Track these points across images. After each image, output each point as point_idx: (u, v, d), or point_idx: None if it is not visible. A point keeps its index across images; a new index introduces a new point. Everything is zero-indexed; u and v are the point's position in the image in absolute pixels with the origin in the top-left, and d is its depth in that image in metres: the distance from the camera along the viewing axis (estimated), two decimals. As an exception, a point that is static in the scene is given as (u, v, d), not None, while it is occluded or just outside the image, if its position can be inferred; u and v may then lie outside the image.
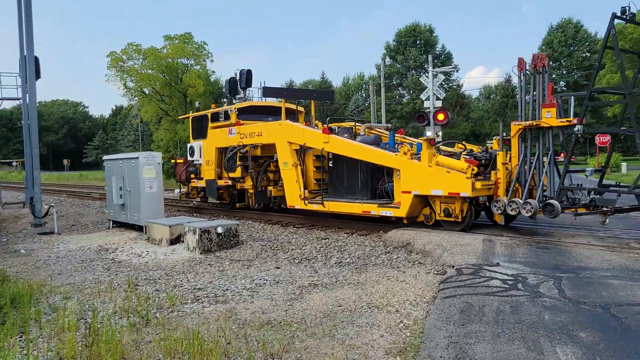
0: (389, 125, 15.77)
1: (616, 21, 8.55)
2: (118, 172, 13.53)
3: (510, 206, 9.29)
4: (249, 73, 23.35)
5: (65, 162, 78.34)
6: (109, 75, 56.56)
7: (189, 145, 17.56)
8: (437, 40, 67.10)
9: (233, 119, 15.16)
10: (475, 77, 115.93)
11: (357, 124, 14.37)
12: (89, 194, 27.02)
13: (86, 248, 11.32)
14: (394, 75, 66.25)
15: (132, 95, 59.26)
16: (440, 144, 12.34)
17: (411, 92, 66.59)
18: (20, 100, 15.14)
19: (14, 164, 67.97)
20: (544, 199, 9.17)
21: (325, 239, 10.78)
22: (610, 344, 4.30)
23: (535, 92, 9.44)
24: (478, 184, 9.39)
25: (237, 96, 23.44)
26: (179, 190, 18.27)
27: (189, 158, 17.21)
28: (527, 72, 9.58)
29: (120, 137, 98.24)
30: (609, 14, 8.32)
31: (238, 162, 14.64)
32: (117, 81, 56.22)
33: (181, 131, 49.93)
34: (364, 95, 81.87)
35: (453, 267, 7.49)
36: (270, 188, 14.10)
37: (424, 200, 10.53)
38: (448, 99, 57.08)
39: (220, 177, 15.70)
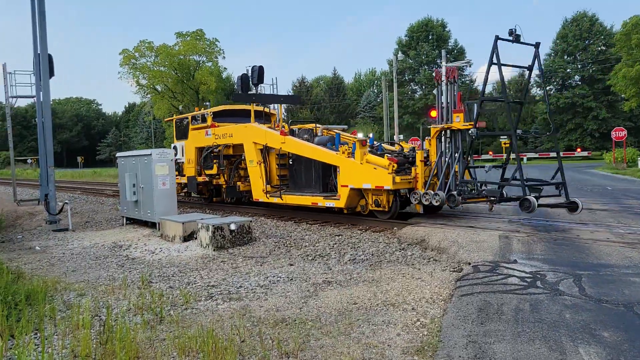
0: (345, 127, 17.57)
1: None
2: (131, 169, 13.57)
3: (424, 197, 10.70)
4: (260, 69, 23.29)
5: (79, 159, 79.12)
6: (122, 73, 57.05)
7: (172, 145, 19.00)
8: (450, 35, 66.56)
9: (209, 121, 16.59)
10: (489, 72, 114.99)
11: (317, 125, 15.68)
12: (102, 190, 27.21)
13: (100, 245, 11.36)
14: (406, 70, 65.84)
15: (144, 93, 59.67)
16: (383, 142, 13.83)
17: (423, 87, 66.18)
18: (35, 98, 15.24)
19: (29, 161, 68.71)
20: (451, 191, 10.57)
21: (338, 235, 10.71)
22: (635, 344, 4.18)
23: (449, 100, 11.02)
24: (398, 179, 10.80)
25: (249, 92, 23.44)
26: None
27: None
28: (442, 82, 11.11)
29: (133, 134, 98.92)
30: (624, 6, 8.21)
31: (214, 161, 16.11)
32: (130, 78, 56.68)
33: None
34: (375, 91, 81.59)
35: (469, 264, 7.38)
36: (239, 183, 15.66)
37: (359, 193, 11.94)
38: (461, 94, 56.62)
39: (200, 174, 17.14)
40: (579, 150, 57.10)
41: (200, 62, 57.71)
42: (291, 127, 15.27)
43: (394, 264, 8.09)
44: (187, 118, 18.18)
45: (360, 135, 13.82)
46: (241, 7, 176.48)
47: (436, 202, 10.41)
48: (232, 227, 10.21)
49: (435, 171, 11.01)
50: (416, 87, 68.62)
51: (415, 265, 7.81)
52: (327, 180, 12.93)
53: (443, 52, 21.74)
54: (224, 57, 65.15)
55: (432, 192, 10.56)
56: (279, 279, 7.36)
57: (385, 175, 10.82)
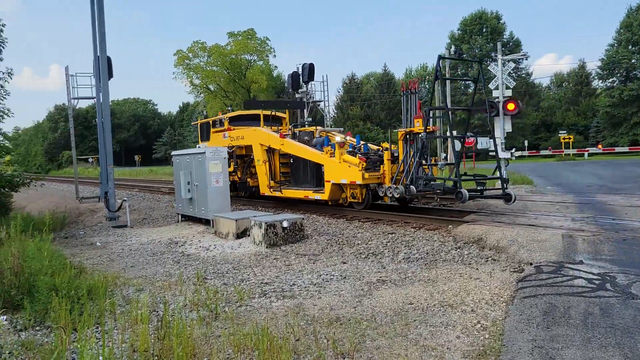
0: (342, 129, 19.48)
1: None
2: (186, 167, 13.86)
3: (389, 190, 12.19)
4: (311, 67, 23.35)
5: (136, 157, 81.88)
6: (176, 73, 58.55)
7: (197, 145, 21.01)
8: (505, 27, 64.48)
9: (226, 125, 18.49)
10: (546, 65, 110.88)
11: (317, 128, 17.37)
12: (158, 188, 28.02)
13: (157, 241, 11.66)
14: (458, 65, 64.37)
15: (198, 92, 61.10)
16: (369, 143, 15.54)
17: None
18: (95, 100, 15.82)
19: (90, 160, 71.63)
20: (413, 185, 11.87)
21: (391, 233, 10.54)
22: None
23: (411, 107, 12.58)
24: (366, 175, 12.60)
25: (300, 90, 23.54)
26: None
27: None
28: (406, 92, 12.75)
29: (187, 133, 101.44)
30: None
31: (230, 160, 17.14)
32: (184, 78, 58.14)
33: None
34: (427, 86, 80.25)
35: (531, 264, 7.06)
36: (249, 180, 17.97)
37: (340, 187, 13.75)
38: (517, 88, 54.84)
39: None
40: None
41: (252, 61, 58.51)
42: (294, 129, 17.01)
43: (450, 263, 7.86)
44: (208, 122, 20.21)
45: (338, 139, 14.88)
46: (291, 4, 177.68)
47: (397, 194, 11.97)
48: (285, 224, 10.23)
49: (401, 168, 12.36)
50: (469, 81, 66.93)
51: (473, 265, 7.56)
52: (320, 177, 14.48)
53: (498, 45, 20.99)
54: (274, 56, 65.87)
55: (394, 186, 12.06)
56: (332, 277, 7.29)
57: (357, 172, 12.63)
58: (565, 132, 50.37)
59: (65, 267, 6.79)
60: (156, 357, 4.41)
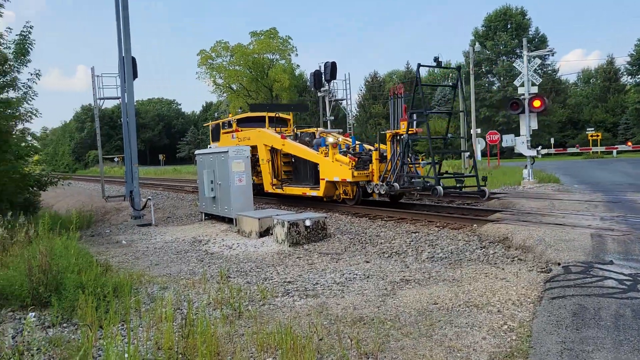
0: (341, 130, 20.55)
1: None
2: (209, 166, 13.96)
3: (376, 187, 13.26)
4: (333, 65, 23.32)
5: (160, 157, 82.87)
6: (200, 73, 59.07)
7: (209, 146, 22.02)
8: (530, 23, 63.42)
9: (234, 126, 19.32)
10: (573, 61, 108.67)
11: (318, 128, 18.64)
12: (182, 187, 28.30)
13: (181, 240, 11.77)
14: (482, 62, 63.54)
15: (221, 91, 61.56)
16: (364, 144, 16.47)
17: (502, 79, 63.57)
18: (120, 100, 16.04)
19: (115, 159, 72.83)
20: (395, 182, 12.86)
21: (415, 232, 10.45)
22: None
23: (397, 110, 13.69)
24: (356, 173, 13.50)
25: (322, 89, 23.51)
26: None
27: None
28: (394, 96, 13.87)
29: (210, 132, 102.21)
30: None
31: None
32: (207, 78, 58.60)
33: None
34: (450, 84, 79.48)
35: (559, 264, 6.91)
36: (254, 178, 17.95)
37: (334, 185, 14.69)
38: (543, 84, 53.92)
39: None
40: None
41: (274, 60, 58.71)
42: (296, 130, 18.18)
43: (475, 262, 7.75)
44: (219, 124, 21.18)
45: (330, 140, 15.75)
46: (313, 3, 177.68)
47: (383, 191, 13.05)
48: (307, 223, 10.22)
49: (389, 167, 13.25)
50: (494, 79, 66.05)
51: (499, 265, 7.43)
52: (317, 175, 15.29)
53: (524, 41, 20.69)
54: (296, 55, 65.96)
55: (380, 184, 13.13)
56: (355, 276, 7.25)
57: (347, 170, 13.57)
58: (593, 129, 49.30)
59: (91, 265, 6.89)
60: (180, 355, 4.44)
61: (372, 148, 15.11)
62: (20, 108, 12.27)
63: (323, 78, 23.26)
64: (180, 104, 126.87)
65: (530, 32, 62.15)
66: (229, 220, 13.17)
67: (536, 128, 19.21)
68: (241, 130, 18.86)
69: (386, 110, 71.99)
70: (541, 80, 20.21)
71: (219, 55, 57.15)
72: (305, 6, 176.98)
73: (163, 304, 5.78)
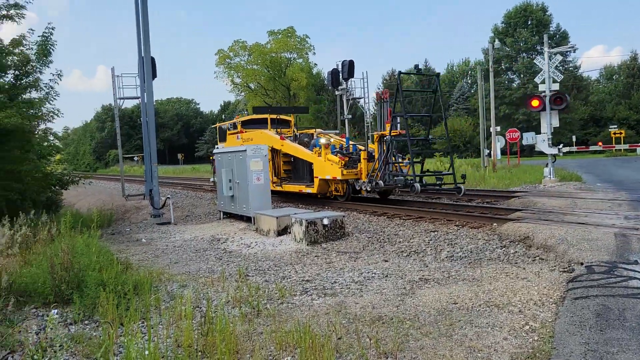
0: (338, 131, 21.84)
1: None
2: (227, 165, 14.03)
3: (363, 184, 14.36)
4: (350, 64, 23.26)
5: (179, 156, 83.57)
6: (218, 72, 59.43)
7: (216, 146, 22.73)
8: (551, 19, 62.47)
9: (239, 128, 20.32)
10: (595, 57, 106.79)
11: (316, 130, 19.78)
12: (201, 186, 28.51)
13: (199, 238, 11.86)
14: (502, 59, 62.81)
15: (239, 91, 61.86)
16: (358, 144, 17.29)
17: (522, 76, 62.78)
18: (139, 99, 16.22)
19: (135, 158, 73.60)
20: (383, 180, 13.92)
21: (433, 231, 10.37)
22: None
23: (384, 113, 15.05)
24: (345, 171, 14.60)
25: (340, 87, 23.47)
26: (212, 178, 23.34)
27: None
28: (380, 101, 15.42)
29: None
30: None
31: None
32: (225, 77, 58.91)
33: (285, 124, 51.11)
34: (469, 81, 78.76)
35: (582, 264, 6.79)
36: None
37: (327, 182, 15.68)
38: (564, 81, 53.17)
39: None
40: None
41: (291, 59, 58.82)
42: (296, 132, 19.15)
43: (495, 262, 7.67)
44: (225, 125, 22.50)
45: (323, 141, 16.54)
46: (330, 1, 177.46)
47: (369, 188, 14.17)
48: (325, 222, 10.21)
49: (376, 165, 14.17)
50: (513, 76, 65.24)
51: (519, 264, 7.34)
52: (313, 174, 16.20)
53: (545, 38, 20.41)
54: (314, 53, 65.97)
55: (366, 181, 14.24)
56: (373, 275, 7.22)
57: (337, 168, 14.68)
58: (616, 126, 48.44)
59: (112, 263, 6.98)
60: (200, 353, 4.47)
61: (362, 148, 16.00)
62: (42, 108, 12.46)
63: (340, 76, 23.20)
64: (198, 104, 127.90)
65: (551, 29, 61.26)
66: (247, 219, 13.23)
67: (557, 125, 18.93)
68: (245, 132, 19.76)
69: (404, 108, 71.72)
70: (562, 77, 19.91)
71: (237, 54, 57.45)
72: (322, 5, 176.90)
73: (182, 301, 5.82)
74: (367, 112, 25.85)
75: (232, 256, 9.49)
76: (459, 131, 61.83)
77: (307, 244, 9.92)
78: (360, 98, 24.88)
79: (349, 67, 22.75)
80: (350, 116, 23.55)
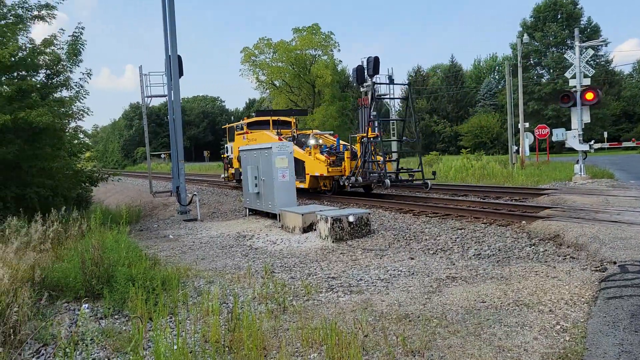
0: (332, 132, 23.46)
1: None
2: (253, 162, 14.11)
3: (345, 180, 16.26)
4: (375, 60, 23.10)
5: (205, 153, 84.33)
6: (243, 70, 59.73)
7: (225, 145, 25.85)
8: (582, 12, 61.03)
9: (245, 129, 22.28)
10: (628, 51, 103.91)
11: (313, 131, 21.65)
12: (226, 183, 28.75)
13: (226, 235, 11.96)
14: (531, 54, 61.66)
15: (264, 88, 62.11)
16: (346, 144, 18.63)
17: (551, 71, 61.54)
18: (166, 97, 16.43)
19: (162, 156, 74.65)
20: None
21: (460, 229, 10.26)
22: None
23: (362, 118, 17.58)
24: (330, 169, 16.63)
25: (365, 84, 23.40)
26: (223, 175, 26.83)
27: (226, 154, 25.65)
28: (361, 107, 18.05)
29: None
30: None
31: None
32: (250, 75, 59.22)
33: (310, 121, 51.15)
34: (497, 77, 77.61)
35: (615, 263, 6.63)
36: None
37: (316, 178, 17.64)
38: (595, 76, 51.91)
39: (241, 167, 23.06)
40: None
41: (316, 56, 58.74)
42: (295, 132, 20.81)
43: (524, 260, 7.54)
44: (233, 126, 24.70)
45: (312, 142, 18.24)
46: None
47: (350, 183, 16.10)
48: (351, 219, 10.19)
49: (358, 163, 15.98)
50: (542, 71, 64.00)
51: (550, 263, 7.20)
52: (305, 171, 18.04)
53: (576, 32, 19.94)
54: (339, 50, 65.91)
55: (347, 177, 16.17)
56: (399, 272, 7.18)
57: (323, 166, 16.73)
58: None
59: (140, 259, 7.09)
60: (227, 348, 4.51)
61: (354, 148, 17.66)
62: (72, 107, 12.70)
63: (365, 73, 23.09)
64: (224, 101, 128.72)
65: (582, 22, 59.85)
66: (273, 216, 13.29)
67: (588, 121, 18.47)
68: (251, 132, 21.71)
69: (430, 105, 71.31)
70: (594, 71, 19.41)
71: (261, 52, 57.64)
72: (348, 1, 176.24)
73: (209, 297, 5.89)
74: (392, 108, 25.70)
75: (257, 253, 9.55)
76: (486, 127, 61.05)
77: (333, 241, 9.92)
78: (385, 95, 24.74)
79: (374, 64, 22.58)
80: (375, 113, 23.45)
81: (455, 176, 23.76)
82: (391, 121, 26.33)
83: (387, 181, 14.66)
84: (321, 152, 17.61)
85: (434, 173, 16.47)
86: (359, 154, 16.28)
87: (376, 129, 16.25)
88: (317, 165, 17.07)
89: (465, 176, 23.26)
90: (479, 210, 12.03)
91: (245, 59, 57.60)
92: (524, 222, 10.19)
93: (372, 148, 16.28)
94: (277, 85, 59.89)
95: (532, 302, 5.36)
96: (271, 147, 12.94)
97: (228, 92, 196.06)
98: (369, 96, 15.96)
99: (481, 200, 14.61)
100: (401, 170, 16.45)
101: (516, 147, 29.12)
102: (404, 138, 17.24)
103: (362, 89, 24.21)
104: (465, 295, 5.82)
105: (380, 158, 15.89)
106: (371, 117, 16.27)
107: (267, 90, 62.68)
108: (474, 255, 8.12)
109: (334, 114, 54.18)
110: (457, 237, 9.46)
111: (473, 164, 26.01)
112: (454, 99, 74.81)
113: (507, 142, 31.38)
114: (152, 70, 18.82)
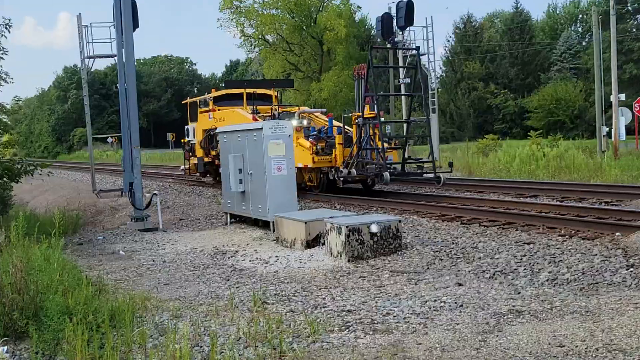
0: (324, 110, 24.78)
1: None
2: (236, 148, 14.07)
3: (338, 173, 16.42)
4: (409, 5, 23.11)
5: (169, 136, 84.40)
6: (222, 20, 59.65)
7: (186, 127, 26.74)
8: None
9: (210, 105, 23.15)
10: None
11: (299, 108, 23.11)
12: (199, 178, 28.87)
13: (198, 250, 12.02)
14: (628, -2, 61.43)
15: (251, 45, 62.03)
16: (340, 126, 19.07)
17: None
18: (115, 58, 16.47)
19: (109, 140, 74.58)
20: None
21: (528, 243, 10.28)
22: None
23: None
24: (317, 158, 16.81)
25: (395, 39, 23.42)
26: (183, 166, 27.31)
27: (187, 138, 26.42)
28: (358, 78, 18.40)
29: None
30: None
31: (216, 141, 20.80)
32: (233, 27, 59.11)
33: (316, 92, 51.16)
34: (580, 30, 77.30)
35: None
36: None
37: (300, 171, 17.36)
38: None
39: (207, 155, 23.37)
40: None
41: (325, 0, 58.64)
42: (273, 110, 21.24)
43: (618, 288, 7.56)
44: (196, 102, 25.63)
45: (295, 123, 18.31)
46: None
47: (341, 178, 16.34)
48: (374, 229, 10.18)
49: (354, 151, 16.36)
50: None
51: (655, 292, 7.21)
52: None
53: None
54: (357, -9, 65.60)
55: (340, 169, 16.38)
56: (442, 304, 7.21)
57: (308, 155, 16.90)
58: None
59: (80, 284, 7.13)
60: (201, 409, 4.53)
61: (349, 130, 18.30)
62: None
63: (395, 24, 23.10)
64: (195, 64, 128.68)
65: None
66: (264, 224, 13.33)
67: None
68: (218, 110, 22.71)
69: (485, 70, 71.23)
70: None
71: (248, -6, 57.59)
72: None
73: (176, 338, 5.91)
74: (432, 73, 25.70)
75: (243, 276, 9.59)
76: (564, 101, 60.82)
77: (349, 260, 9.94)
78: (422, 55, 24.74)
79: (407, 11, 22.62)
80: (407, 80, 23.46)
81: (520, 169, 23.74)
82: (393, 96, 27.06)
83: (387, 174, 15.05)
84: (306, 137, 17.91)
85: (450, 164, 17.01)
86: (354, 139, 16.73)
87: (374, 106, 16.61)
88: (299, 154, 16.91)
89: (535, 169, 23.23)
90: (554, 218, 12.05)
91: (225, 4, 57.54)
92: (618, 234, 10.21)
93: (371, 131, 16.68)
94: (270, 41, 59.82)
95: (631, 347, 5.37)
96: (262, 128, 12.80)
97: (202, 51, 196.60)
98: (368, 64, 16.28)
99: (558, 203, 14.60)
100: (409, 161, 17.25)
101: (607, 129, 29.06)
102: (411, 118, 17.83)
103: (388, 45, 24.22)
104: (535, 336, 5.85)
105: (380, 144, 16.32)
106: (368, 91, 16.93)
107: (256, 48, 62.65)
108: (547, 280, 8.15)
109: (349, 81, 54.02)
110: (524, 255, 9.48)
111: (546, 153, 25.96)
112: (519, 61, 74.60)
113: (594, 121, 31.32)
114: (95, 20, 18.88)
